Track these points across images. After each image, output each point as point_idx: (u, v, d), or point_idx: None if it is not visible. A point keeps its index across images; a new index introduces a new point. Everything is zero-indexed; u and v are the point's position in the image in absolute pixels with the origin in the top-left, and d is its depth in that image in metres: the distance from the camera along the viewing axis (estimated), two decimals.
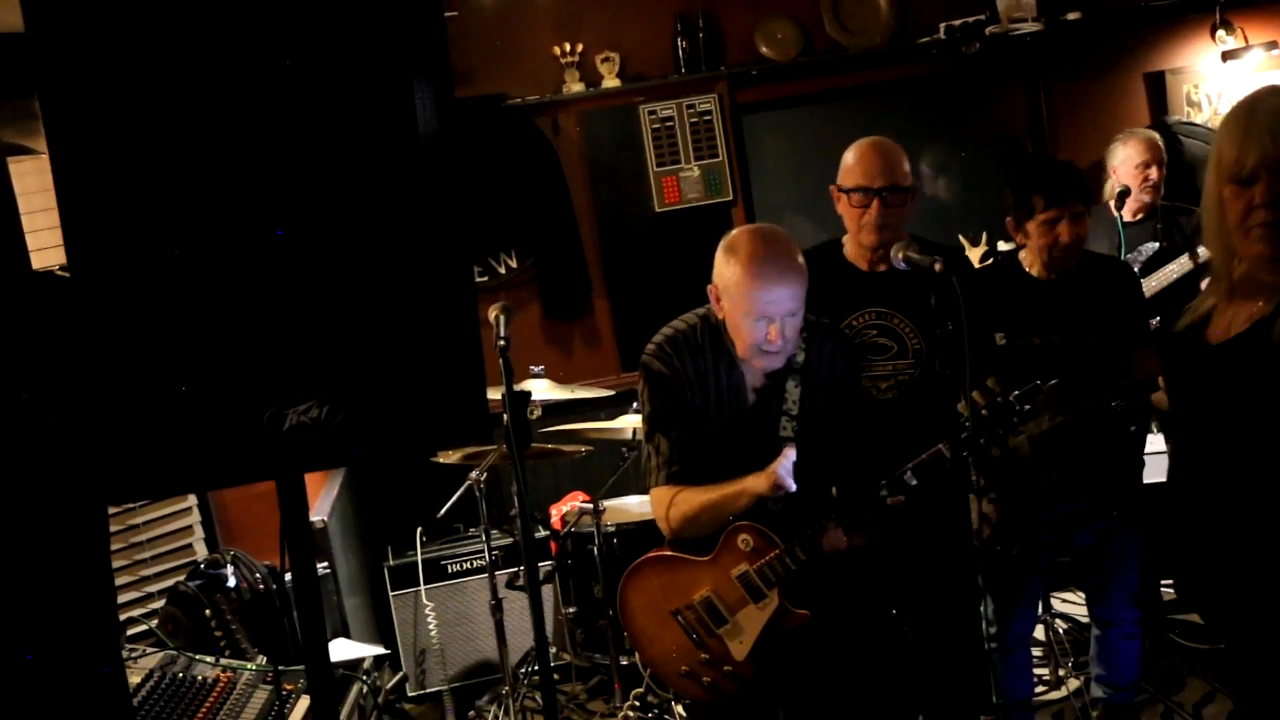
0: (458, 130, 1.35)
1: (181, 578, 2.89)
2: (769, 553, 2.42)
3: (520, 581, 3.75)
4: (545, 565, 3.89)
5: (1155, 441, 3.57)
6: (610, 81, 4.63)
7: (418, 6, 1.32)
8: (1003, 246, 4.45)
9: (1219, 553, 1.86)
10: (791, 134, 4.79)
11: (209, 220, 1.24)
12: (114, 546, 3.02)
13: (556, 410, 4.11)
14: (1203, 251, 3.59)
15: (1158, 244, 3.86)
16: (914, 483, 2.40)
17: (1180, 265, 3.75)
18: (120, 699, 1.61)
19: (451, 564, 4.10)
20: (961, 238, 4.56)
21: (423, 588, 4.03)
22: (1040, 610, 3.42)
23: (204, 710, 2.24)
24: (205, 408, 1.25)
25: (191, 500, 3.27)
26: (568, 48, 4.60)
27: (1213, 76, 4.84)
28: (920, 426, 2.56)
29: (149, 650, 2.40)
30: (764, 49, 4.71)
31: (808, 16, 4.73)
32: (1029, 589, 3.11)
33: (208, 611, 2.72)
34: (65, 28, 1.16)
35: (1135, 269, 3.71)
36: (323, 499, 3.71)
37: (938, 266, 2.32)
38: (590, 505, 3.68)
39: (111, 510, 2.84)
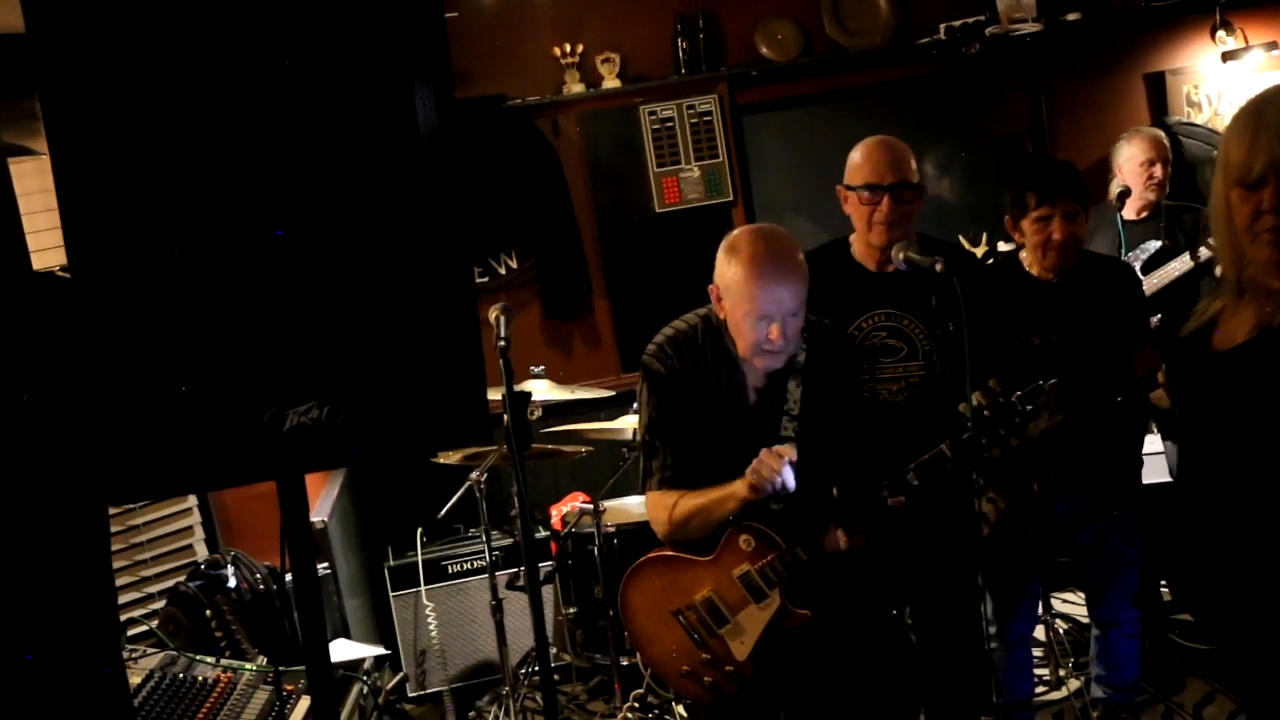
0: (458, 131, 1.35)
1: (182, 578, 2.89)
2: (770, 553, 2.42)
3: (520, 582, 3.75)
4: (545, 566, 3.89)
5: (1154, 441, 3.57)
6: (610, 82, 4.62)
7: (418, 7, 1.32)
8: (1003, 247, 4.45)
9: (1225, 558, 1.86)
10: (792, 134, 4.79)
11: (209, 221, 1.24)
12: (114, 546, 3.02)
13: (557, 411, 4.12)
14: (1204, 250, 3.60)
15: (1160, 242, 3.86)
16: (915, 483, 2.39)
17: (1182, 263, 3.75)
18: (120, 699, 1.61)
19: (452, 564, 4.11)
20: (962, 238, 4.56)
21: (423, 588, 4.03)
22: (1040, 610, 3.41)
23: (204, 711, 2.24)
24: (205, 408, 1.25)
25: (192, 500, 3.27)
26: (568, 48, 4.60)
27: (1213, 77, 4.84)
28: (930, 429, 2.54)
29: (149, 650, 2.40)
30: (764, 49, 4.71)
31: (808, 17, 4.73)
32: (1029, 589, 3.11)
33: (208, 612, 2.72)
34: (65, 28, 1.16)
35: (1137, 266, 3.72)
36: (323, 499, 3.71)
37: (938, 267, 2.29)
38: (590, 506, 3.68)
39: (111, 510, 2.84)
